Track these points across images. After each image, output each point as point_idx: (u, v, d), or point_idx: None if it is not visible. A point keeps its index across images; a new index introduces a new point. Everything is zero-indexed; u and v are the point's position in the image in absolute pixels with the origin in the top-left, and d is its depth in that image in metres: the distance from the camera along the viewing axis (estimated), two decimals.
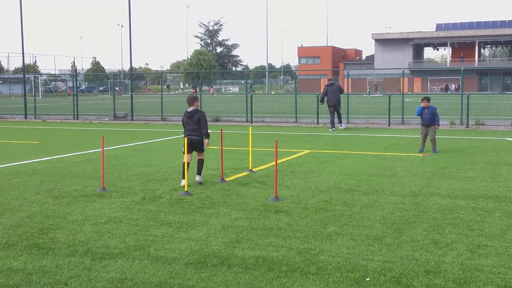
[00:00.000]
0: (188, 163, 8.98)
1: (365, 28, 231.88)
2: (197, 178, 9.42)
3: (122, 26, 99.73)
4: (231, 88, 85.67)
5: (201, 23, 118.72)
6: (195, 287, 4.75)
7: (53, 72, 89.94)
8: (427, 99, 13.57)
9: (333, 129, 20.39)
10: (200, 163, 9.54)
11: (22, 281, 4.87)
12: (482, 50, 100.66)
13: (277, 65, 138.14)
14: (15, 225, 6.74)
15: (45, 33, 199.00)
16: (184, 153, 9.05)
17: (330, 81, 21.27)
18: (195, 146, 9.43)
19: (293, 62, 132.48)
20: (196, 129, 9.39)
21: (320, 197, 8.28)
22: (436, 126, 13.44)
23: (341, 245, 5.86)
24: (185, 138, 9.05)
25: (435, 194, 8.44)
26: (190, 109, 9.50)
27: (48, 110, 33.01)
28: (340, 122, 21.03)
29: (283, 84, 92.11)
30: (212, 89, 72.33)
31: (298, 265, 5.23)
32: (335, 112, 20.67)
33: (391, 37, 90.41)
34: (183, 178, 8.98)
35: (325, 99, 20.60)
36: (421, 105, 13.54)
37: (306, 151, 13.76)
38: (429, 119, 13.40)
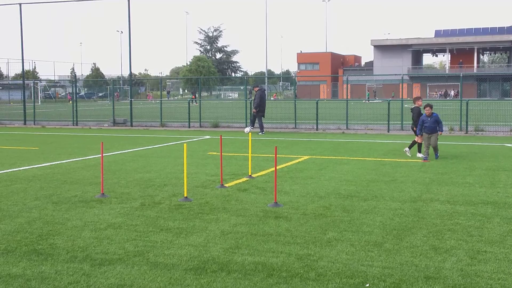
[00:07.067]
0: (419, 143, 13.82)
1: (364, 34, 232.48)
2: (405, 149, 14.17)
3: (121, 32, 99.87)
4: (230, 94, 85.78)
5: (201, 29, 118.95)
6: None
7: (52, 78, 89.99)
8: (430, 106, 13.51)
9: (263, 132, 21.53)
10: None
11: (21, 287, 4.86)
12: (481, 56, 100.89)
13: (277, 71, 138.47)
14: (14, 231, 6.73)
15: (45, 39, 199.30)
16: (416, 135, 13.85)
17: (262, 86, 22.22)
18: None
19: (293, 68, 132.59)
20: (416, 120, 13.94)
21: (320, 203, 8.28)
22: (440, 132, 13.44)
23: (340, 251, 5.86)
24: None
25: (434, 200, 8.45)
26: (413, 106, 14.19)
27: (47, 116, 32.98)
28: (252, 125, 22.23)
29: (283, 90, 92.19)
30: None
31: (297, 271, 5.23)
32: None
33: (390, 43, 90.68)
34: (409, 148, 13.97)
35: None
36: (424, 113, 13.53)
37: (306, 157, 13.77)
38: (432, 128, 13.36)
